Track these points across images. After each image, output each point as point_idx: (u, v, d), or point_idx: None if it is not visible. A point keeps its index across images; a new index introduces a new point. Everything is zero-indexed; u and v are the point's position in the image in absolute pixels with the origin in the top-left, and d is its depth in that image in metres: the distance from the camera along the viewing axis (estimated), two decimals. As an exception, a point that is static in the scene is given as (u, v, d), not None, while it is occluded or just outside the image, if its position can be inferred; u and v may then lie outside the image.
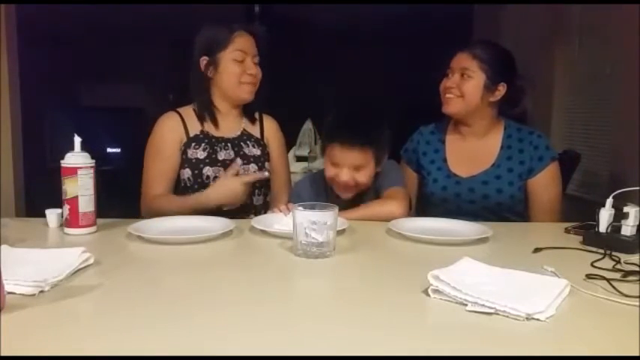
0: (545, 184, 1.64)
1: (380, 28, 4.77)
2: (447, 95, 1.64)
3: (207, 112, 1.66)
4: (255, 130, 1.74)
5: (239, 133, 1.70)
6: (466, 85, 1.60)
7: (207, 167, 1.61)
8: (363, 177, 1.49)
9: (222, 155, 1.64)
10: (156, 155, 1.63)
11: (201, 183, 1.61)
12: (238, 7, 4.15)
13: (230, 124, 1.69)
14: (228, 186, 1.51)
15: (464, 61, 1.62)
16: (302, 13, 4.51)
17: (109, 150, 5.37)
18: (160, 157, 1.62)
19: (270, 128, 1.78)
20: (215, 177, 1.61)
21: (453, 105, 1.64)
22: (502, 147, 1.67)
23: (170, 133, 1.63)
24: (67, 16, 4.39)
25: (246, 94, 1.64)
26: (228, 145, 1.66)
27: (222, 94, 1.66)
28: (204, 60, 1.63)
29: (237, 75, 1.61)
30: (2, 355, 0.64)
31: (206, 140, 1.63)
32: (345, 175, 1.48)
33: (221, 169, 1.62)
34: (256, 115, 1.76)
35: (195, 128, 1.65)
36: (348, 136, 1.46)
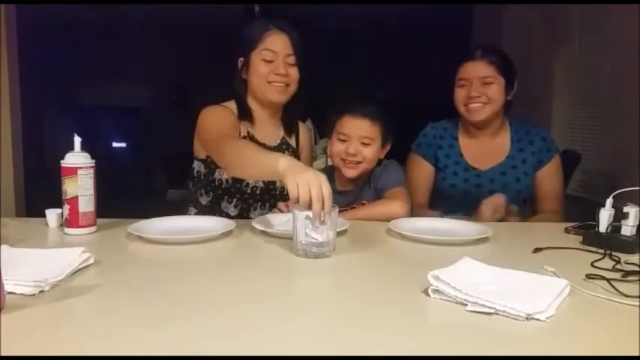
0: (550, 173, 1.74)
1: (380, 28, 4.77)
2: (472, 105, 1.68)
3: (244, 115, 1.59)
4: (292, 140, 1.71)
5: (279, 141, 1.66)
6: (490, 90, 1.67)
7: None
8: (369, 152, 1.49)
9: None
10: (215, 120, 1.52)
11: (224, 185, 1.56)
12: (238, 7, 4.16)
13: (269, 131, 1.64)
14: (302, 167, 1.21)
15: (481, 69, 1.67)
16: (302, 13, 4.51)
17: (114, 145, 5.39)
18: (221, 120, 1.51)
19: (304, 136, 1.76)
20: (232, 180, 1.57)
21: (480, 112, 1.69)
22: (512, 141, 1.76)
23: (223, 112, 1.56)
24: (67, 15, 4.39)
25: (275, 95, 1.56)
26: None
27: (254, 97, 1.60)
28: (240, 61, 1.59)
29: (265, 75, 1.53)
30: (2, 355, 0.64)
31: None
32: (353, 147, 1.49)
33: None
34: (295, 126, 1.71)
35: (242, 128, 1.58)
36: (361, 107, 1.50)
